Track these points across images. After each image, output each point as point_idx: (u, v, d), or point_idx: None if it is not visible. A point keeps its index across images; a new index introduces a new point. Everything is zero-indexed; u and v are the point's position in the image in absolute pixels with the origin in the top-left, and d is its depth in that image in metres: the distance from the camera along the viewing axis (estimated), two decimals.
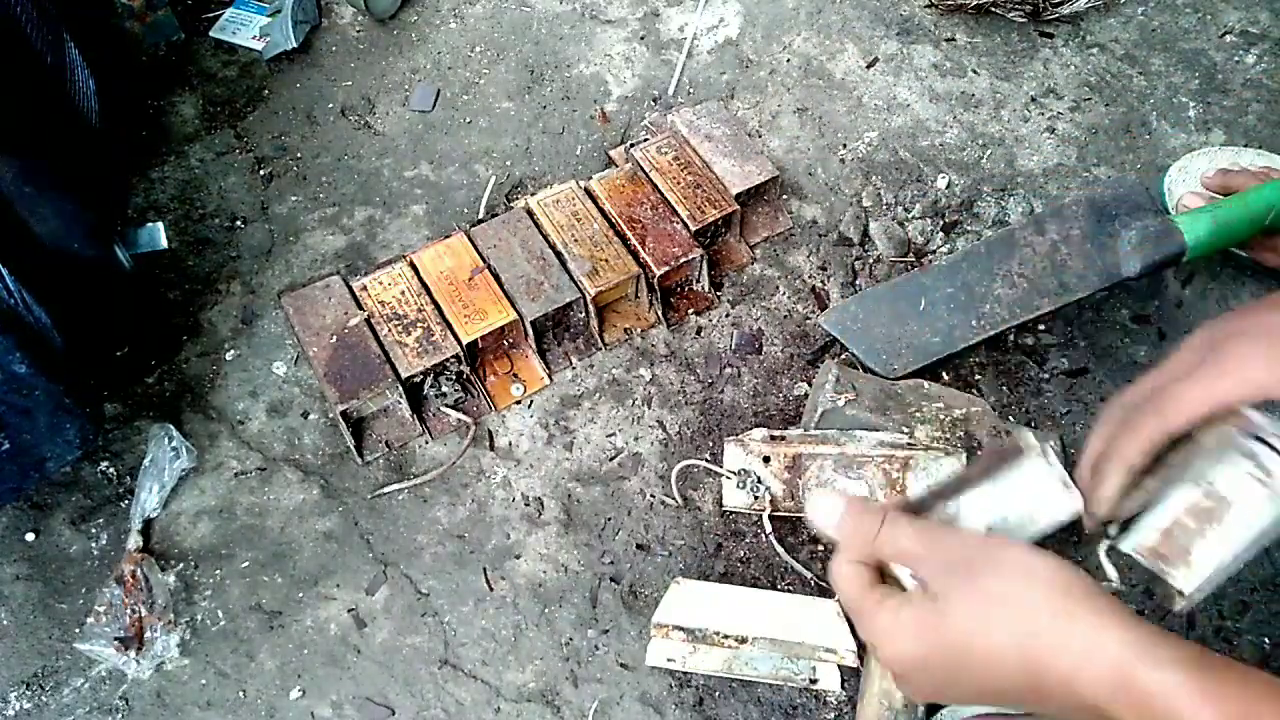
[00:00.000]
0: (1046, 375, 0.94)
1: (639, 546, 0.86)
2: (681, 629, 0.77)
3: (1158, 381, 0.61)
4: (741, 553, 0.86)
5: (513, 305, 0.91)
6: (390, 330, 0.90)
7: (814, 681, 0.77)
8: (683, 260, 0.94)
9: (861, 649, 0.77)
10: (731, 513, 0.86)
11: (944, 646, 0.50)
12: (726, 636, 0.76)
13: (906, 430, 0.81)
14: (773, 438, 0.85)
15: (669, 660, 0.78)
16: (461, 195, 1.06)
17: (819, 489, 0.55)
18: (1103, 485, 0.61)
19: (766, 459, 0.84)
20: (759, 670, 0.78)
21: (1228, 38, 1.15)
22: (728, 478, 0.85)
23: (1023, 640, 0.48)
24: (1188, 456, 0.59)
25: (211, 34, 1.16)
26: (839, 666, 0.78)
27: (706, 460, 0.89)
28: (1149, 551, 0.59)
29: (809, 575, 0.83)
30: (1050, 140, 1.09)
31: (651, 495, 0.89)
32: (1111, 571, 0.62)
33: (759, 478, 0.83)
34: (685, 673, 0.80)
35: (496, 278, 0.93)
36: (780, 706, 0.79)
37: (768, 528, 0.84)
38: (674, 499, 0.88)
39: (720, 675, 0.78)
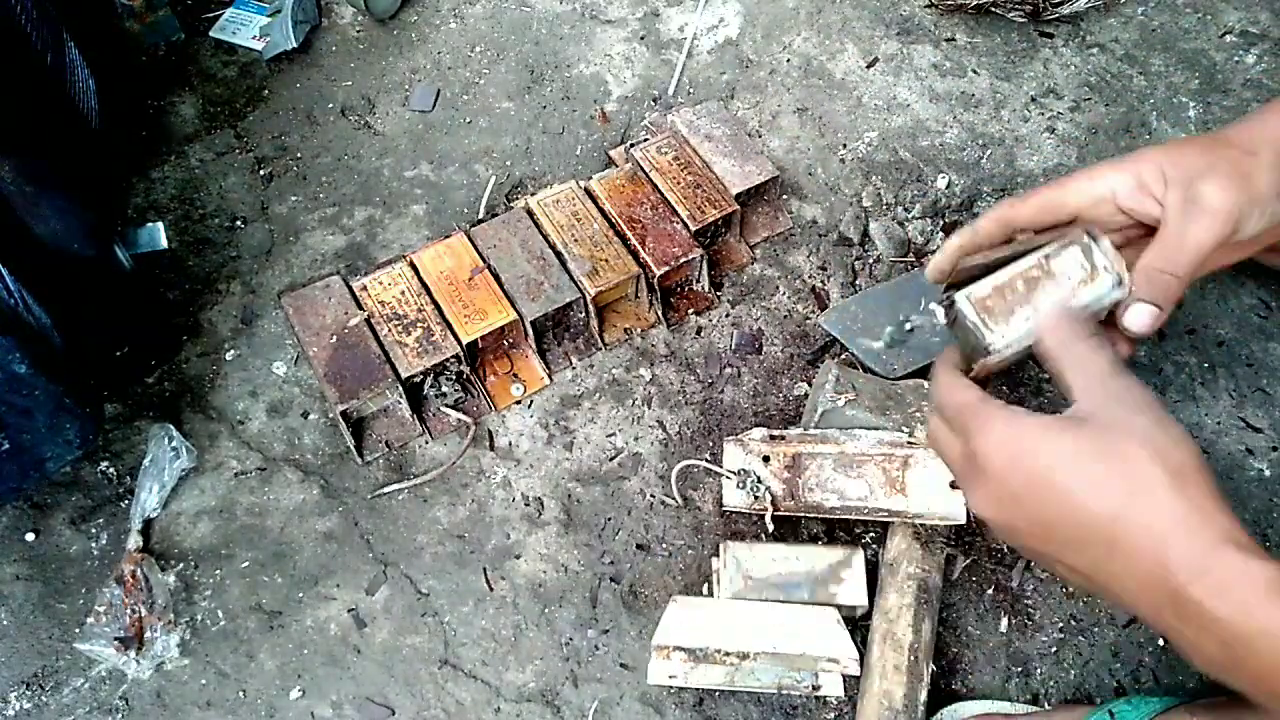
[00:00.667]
0: (1047, 375, 0.94)
1: (639, 546, 0.86)
2: (683, 649, 0.76)
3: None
4: None
5: (513, 305, 0.91)
6: (390, 330, 0.90)
7: (817, 689, 0.77)
8: (683, 260, 0.94)
9: (863, 656, 0.77)
10: (731, 512, 0.86)
11: (1061, 461, 0.52)
12: (728, 654, 0.76)
13: (907, 430, 0.81)
14: (772, 437, 0.85)
15: (670, 677, 0.78)
16: (461, 195, 1.06)
17: (1057, 312, 0.61)
18: (939, 253, 0.72)
19: (766, 458, 0.84)
20: (761, 681, 0.77)
21: (1228, 38, 1.15)
22: (728, 477, 0.84)
23: (1131, 492, 0.50)
24: (1048, 241, 0.67)
25: (211, 34, 1.16)
26: (841, 675, 0.78)
27: (706, 460, 0.89)
28: (978, 303, 0.65)
29: None
30: (1050, 140, 1.09)
31: (651, 495, 0.89)
32: (940, 315, 0.70)
33: (759, 477, 0.83)
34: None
35: (496, 278, 0.93)
36: (780, 707, 0.79)
37: (770, 527, 0.84)
38: (674, 499, 0.88)
39: (723, 689, 0.78)
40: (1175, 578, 0.48)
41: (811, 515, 0.84)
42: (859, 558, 0.80)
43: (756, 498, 0.83)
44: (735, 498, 0.84)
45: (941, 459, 0.63)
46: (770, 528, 0.84)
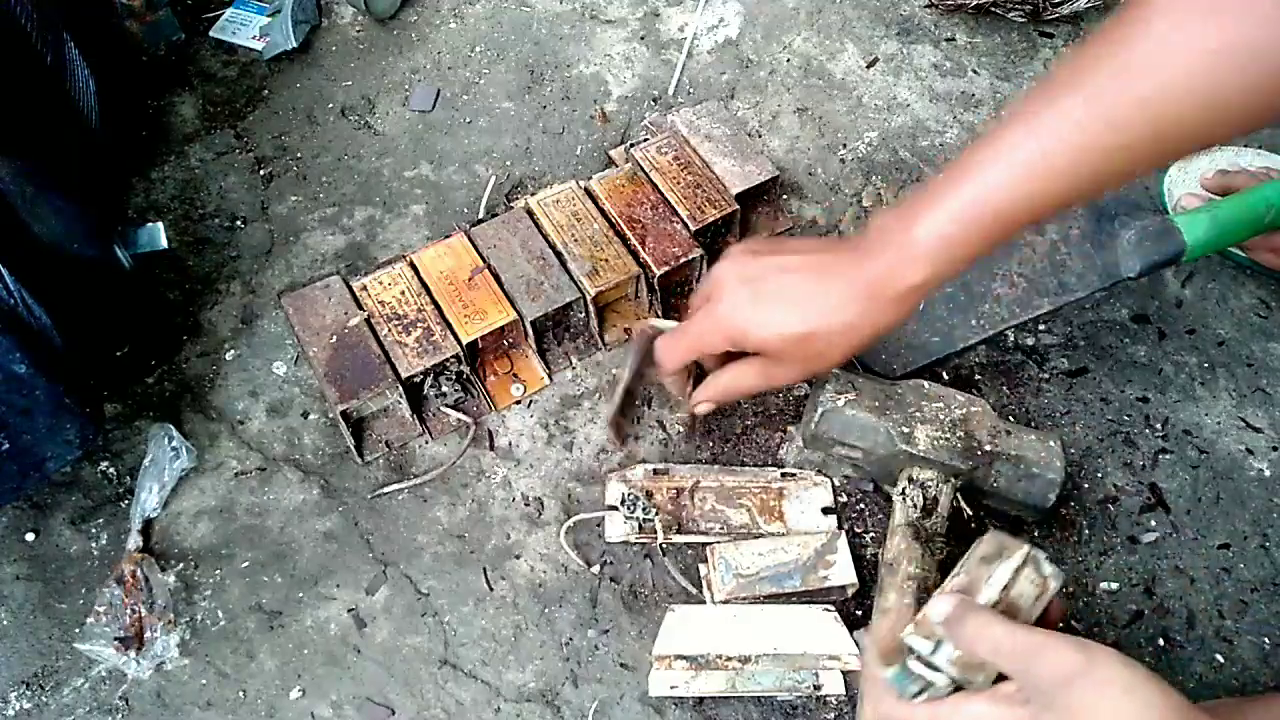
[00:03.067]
0: (1046, 375, 0.94)
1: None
2: (684, 657, 0.76)
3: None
4: None
5: (513, 305, 0.91)
6: (390, 330, 0.90)
7: (818, 688, 0.77)
8: (683, 260, 0.94)
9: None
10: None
11: None
12: (730, 659, 0.76)
13: (906, 430, 0.81)
14: (655, 472, 0.87)
15: (672, 688, 0.78)
16: (461, 195, 1.06)
17: (938, 596, 0.62)
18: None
19: (650, 494, 0.86)
20: (763, 685, 0.78)
21: None
22: (614, 508, 0.86)
23: None
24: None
25: (211, 34, 1.16)
26: (841, 672, 0.78)
27: (592, 512, 0.86)
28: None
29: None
30: None
31: None
32: None
33: (644, 506, 0.85)
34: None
35: (496, 278, 0.93)
36: (780, 706, 0.79)
37: (662, 548, 0.85)
38: (574, 560, 0.85)
39: (725, 695, 0.78)
40: None
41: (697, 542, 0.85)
42: (842, 540, 0.82)
43: (643, 527, 0.84)
44: (620, 529, 0.85)
45: None
46: (663, 548, 0.85)
